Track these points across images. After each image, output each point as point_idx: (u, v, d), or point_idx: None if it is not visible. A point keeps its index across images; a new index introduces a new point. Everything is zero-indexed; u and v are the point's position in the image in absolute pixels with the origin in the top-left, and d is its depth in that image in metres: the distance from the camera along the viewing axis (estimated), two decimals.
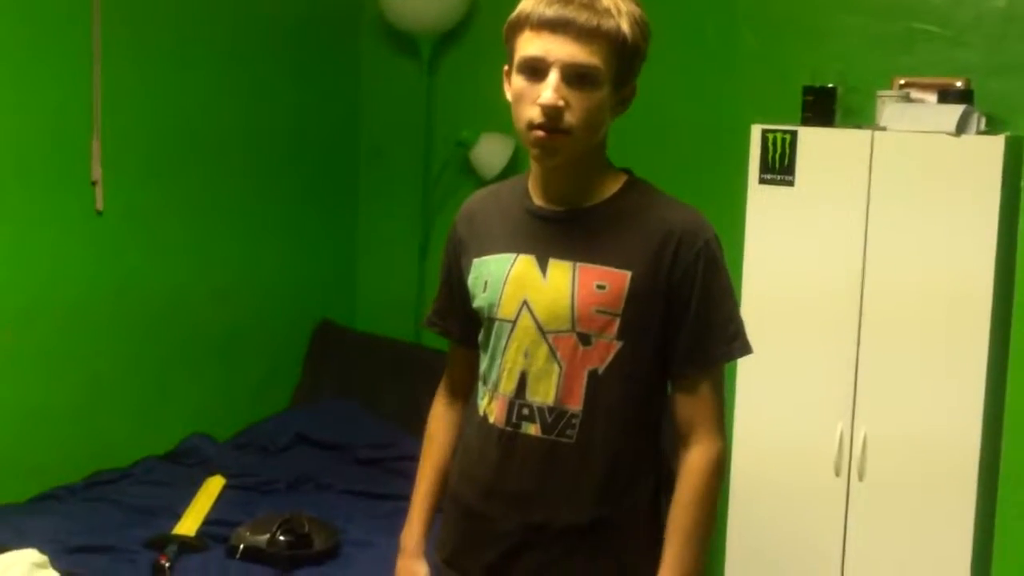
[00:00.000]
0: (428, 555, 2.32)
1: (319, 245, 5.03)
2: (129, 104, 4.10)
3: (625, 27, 1.97)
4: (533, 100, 1.97)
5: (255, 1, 4.58)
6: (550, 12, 1.96)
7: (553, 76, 1.95)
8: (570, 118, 1.97)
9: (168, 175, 4.29)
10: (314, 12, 4.85)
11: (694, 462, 2.09)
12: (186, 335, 4.42)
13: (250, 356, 4.72)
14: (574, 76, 1.96)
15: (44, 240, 3.88)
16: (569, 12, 1.95)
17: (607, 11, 1.96)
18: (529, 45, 1.98)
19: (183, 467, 4.13)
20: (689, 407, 2.11)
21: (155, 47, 4.19)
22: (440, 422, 2.37)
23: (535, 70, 1.97)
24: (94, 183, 3.99)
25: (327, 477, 4.10)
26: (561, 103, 1.95)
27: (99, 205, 4.01)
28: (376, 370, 4.75)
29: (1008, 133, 3.39)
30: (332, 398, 4.65)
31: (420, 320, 4.77)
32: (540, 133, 1.98)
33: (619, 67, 2.00)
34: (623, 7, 1.99)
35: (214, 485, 3.92)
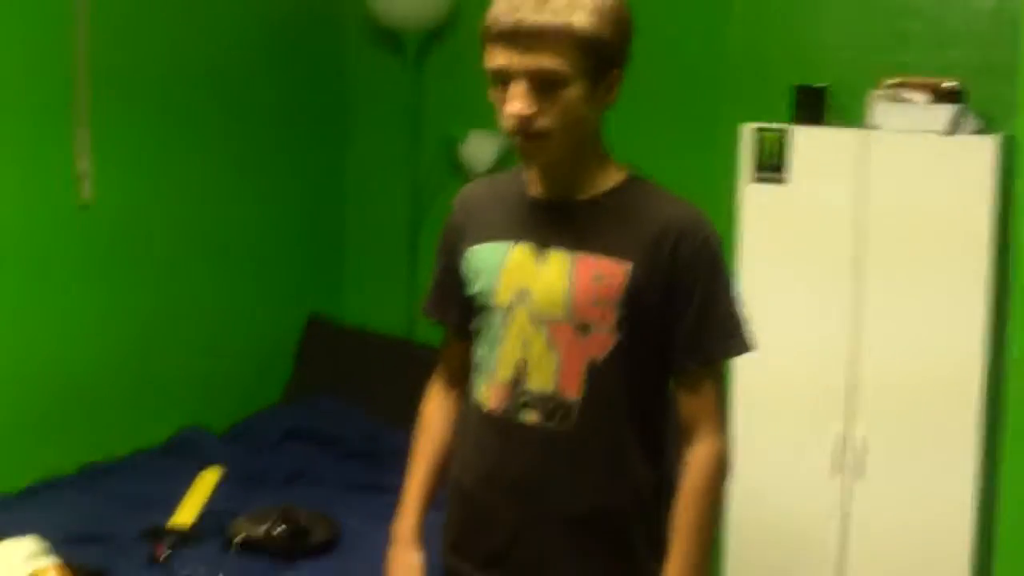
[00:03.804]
0: (426, 544, 2.32)
1: (308, 238, 5.04)
2: (116, 96, 4.09)
3: (583, 21, 1.93)
4: (507, 111, 1.99)
5: None
6: (503, 22, 1.95)
7: (516, 86, 1.96)
8: (543, 122, 1.97)
9: (156, 167, 4.29)
10: (300, 8, 4.87)
11: (697, 458, 2.10)
12: (178, 329, 4.42)
13: (242, 350, 4.73)
14: (538, 82, 1.95)
15: (32, 232, 3.87)
16: (521, 19, 1.93)
17: (563, 9, 1.93)
18: (492, 57, 1.99)
19: (177, 459, 4.13)
20: (691, 404, 2.11)
21: (143, 40, 4.19)
22: (434, 412, 2.36)
23: (504, 81, 1.98)
24: (80, 175, 3.99)
25: (321, 470, 4.12)
26: (529, 111, 1.96)
27: (86, 196, 4.00)
28: (367, 364, 4.76)
29: (999, 133, 3.43)
30: (324, 393, 4.67)
31: (411, 315, 4.87)
32: (518, 140, 2.01)
33: (588, 60, 1.97)
34: (589, 1, 1.95)
35: (210, 476, 3.93)
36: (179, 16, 4.34)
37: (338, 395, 4.64)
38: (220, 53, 4.52)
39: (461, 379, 2.31)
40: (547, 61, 1.94)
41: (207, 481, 3.90)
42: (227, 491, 3.87)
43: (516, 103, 1.96)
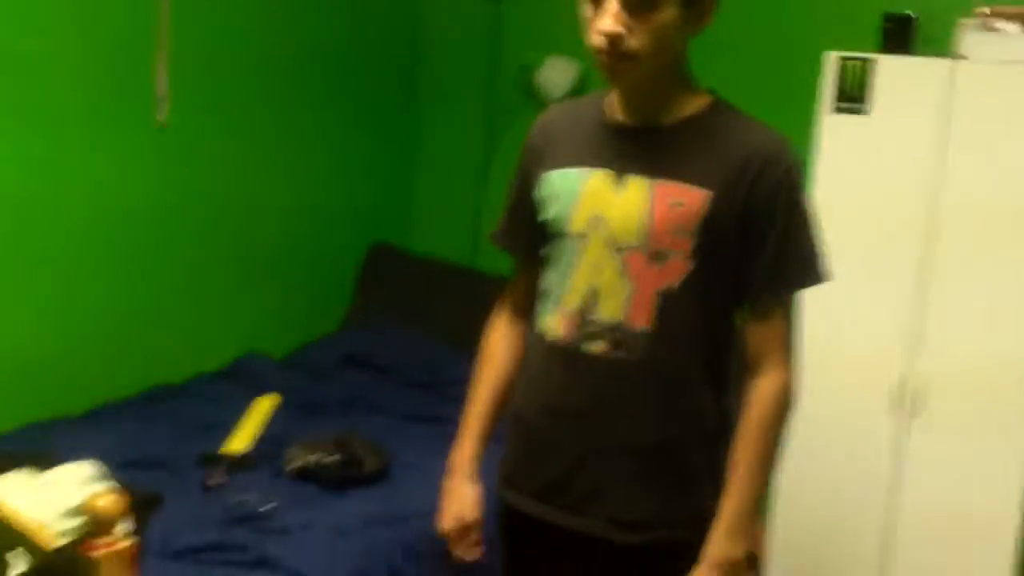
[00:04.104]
0: (483, 477, 2.28)
1: (378, 164, 4.99)
2: (194, 23, 4.04)
3: None
4: (597, 28, 1.95)
5: None
6: None
7: (611, 3, 1.92)
8: (633, 42, 1.93)
9: (230, 93, 4.24)
10: None
11: (763, 390, 2.05)
12: (241, 253, 4.40)
13: (304, 275, 4.70)
14: (632, 2, 1.92)
15: (108, 153, 3.84)
16: None
17: None
18: None
19: (237, 385, 4.12)
20: (761, 334, 2.06)
21: None
22: (498, 343, 2.32)
23: None
24: (160, 98, 3.95)
25: (379, 399, 4.09)
26: (620, 29, 1.92)
27: (162, 118, 3.97)
28: (430, 293, 4.71)
29: None
30: (385, 320, 4.62)
31: (476, 243, 4.80)
32: (604, 59, 1.96)
33: None
34: None
35: (267, 403, 3.92)
36: None
37: (399, 323, 4.59)
38: None
39: (527, 310, 2.28)
40: None
41: (263, 407, 3.88)
42: (284, 418, 3.86)
43: (607, 20, 1.93)
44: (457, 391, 3.85)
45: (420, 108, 5.09)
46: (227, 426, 3.71)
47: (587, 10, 1.98)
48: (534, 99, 4.60)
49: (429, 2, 5.01)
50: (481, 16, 4.76)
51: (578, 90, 4.42)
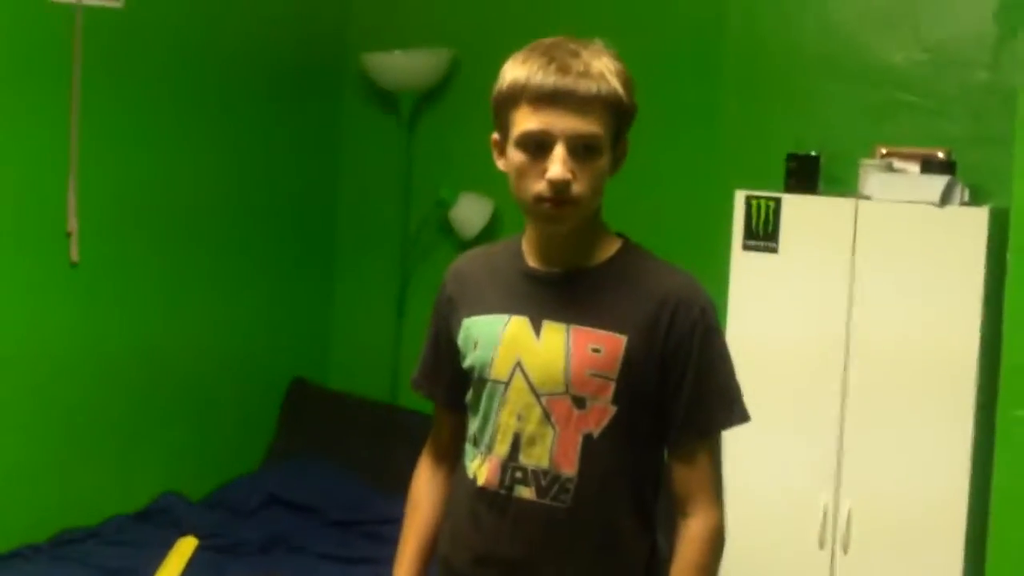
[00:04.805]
0: None
1: (294, 302, 4.98)
2: (106, 158, 4.08)
3: (620, 89, 1.95)
4: (539, 175, 1.94)
5: (235, 56, 4.58)
6: (548, 84, 1.92)
7: (559, 150, 1.93)
8: (577, 188, 1.94)
9: (143, 228, 4.26)
10: (294, 67, 4.84)
11: (693, 531, 2.05)
12: (159, 391, 4.36)
13: (223, 414, 4.66)
14: (579, 147, 1.93)
15: (18, 291, 3.81)
16: (568, 82, 1.92)
17: (601, 75, 1.94)
18: (529, 120, 1.95)
19: (154, 527, 4.05)
20: (687, 476, 2.07)
21: (134, 98, 4.19)
22: (424, 488, 2.30)
23: (539, 145, 1.94)
24: (69, 234, 3.95)
25: (301, 539, 4.03)
26: (569, 176, 1.93)
27: (74, 257, 3.96)
28: (351, 430, 4.69)
29: (991, 205, 3.40)
30: (306, 458, 4.59)
31: (396, 380, 4.81)
32: (548, 206, 1.96)
33: (616, 128, 1.98)
34: (612, 66, 1.96)
35: (186, 546, 3.85)
36: (171, 74, 4.33)
37: (321, 460, 4.56)
38: (212, 110, 4.50)
39: (451, 453, 2.26)
40: (592, 127, 1.93)
41: (183, 550, 3.81)
42: (203, 560, 3.79)
43: (558, 167, 1.92)
44: (378, 530, 3.86)
45: (336, 238, 5.11)
46: (145, 570, 3.64)
47: (517, 155, 1.97)
48: (449, 235, 4.66)
49: (348, 136, 5.07)
50: (397, 149, 4.82)
51: (492, 227, 4.49)
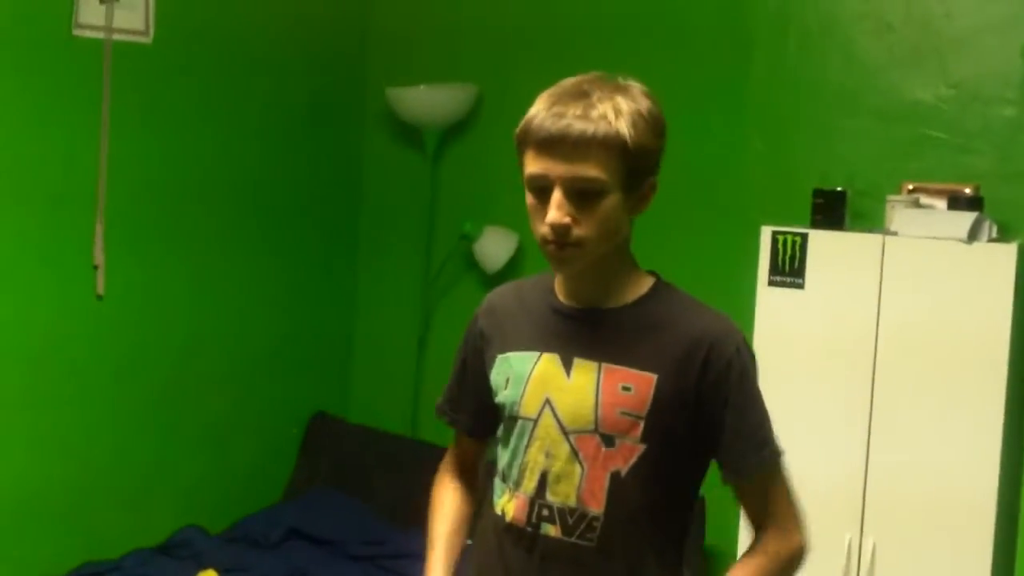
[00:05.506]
0: None
1: (316, 335, 4.99)
2: (133, 192, 4.09)
3: (624, 129, 1.91)
4: (543, 218, 1.95)
5: (260, 91, 4.60)
6: (546, 129, 1.92)
7: (556, 194, 1.92)
8: (579, 231, 1.93)
9: (169, 262, 4.27)
10: (319, 102, 4.88)
11: (772, 544, 2.06)
12: (180, 424, 4.36)
13: (244, 447, 4.66)
14: (576, 191, 1.92)
15: (44, 324, 3.83)
16: (562, 126, 1.90)
17: (603, 117, 1.91)
18: (532, 163, 1.96)
19: (174, 560, 4.04)
20: (757, 509, 2.09)
21: (162, 133, 4.21)
22: (445, 494, 2.29)
23: (541, 188, 1.95)
24: (96, 267, 3.97)
25: (320, 573, 4.01)
26: (567, 220, 1.92)
27: (100, 290, 3.98)
28: (372, 464, 4.68)
29: (1020, 241, 3.39)
30: (326, 492, 4.57)
31: (417, 414, 4.79)
32: (551, 248, 1.97)
33: (627, 169, 1.94)
34: (624, 107, 1.93)
35: None
36: (198, 106, 4.35)
37: (341, 494, 4.54)
38: (237, 144, 4.52)
39: (468, 475, 2.29)
40: (589, 170, 1.91)
41: None
42: None
43: (554, 212, 1.92)
44: (398, 565, 3.84)
45: (359, 273, 5.13)
46: None
47: (528, 197, 1.98)
48: (473, 269, 4.66)
49: (373, 170, 5.08)
50: (422, 183, 4.83)
51: (516, 261, 4.49)
